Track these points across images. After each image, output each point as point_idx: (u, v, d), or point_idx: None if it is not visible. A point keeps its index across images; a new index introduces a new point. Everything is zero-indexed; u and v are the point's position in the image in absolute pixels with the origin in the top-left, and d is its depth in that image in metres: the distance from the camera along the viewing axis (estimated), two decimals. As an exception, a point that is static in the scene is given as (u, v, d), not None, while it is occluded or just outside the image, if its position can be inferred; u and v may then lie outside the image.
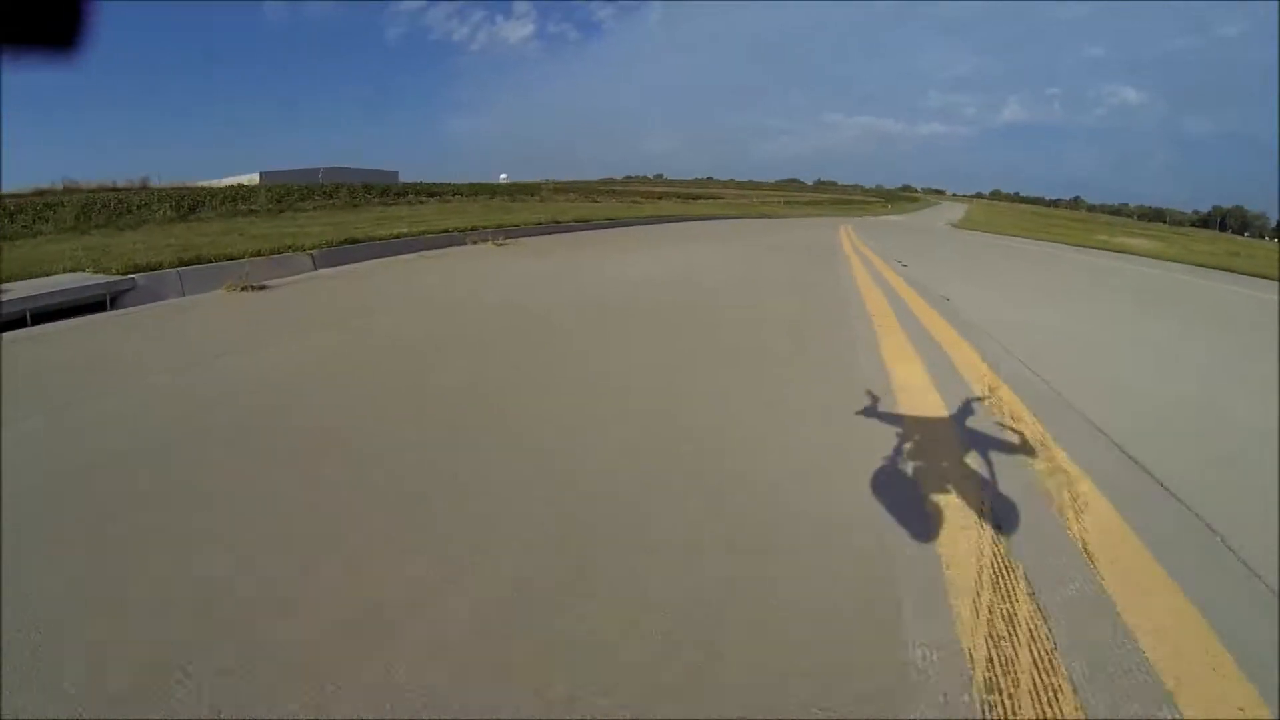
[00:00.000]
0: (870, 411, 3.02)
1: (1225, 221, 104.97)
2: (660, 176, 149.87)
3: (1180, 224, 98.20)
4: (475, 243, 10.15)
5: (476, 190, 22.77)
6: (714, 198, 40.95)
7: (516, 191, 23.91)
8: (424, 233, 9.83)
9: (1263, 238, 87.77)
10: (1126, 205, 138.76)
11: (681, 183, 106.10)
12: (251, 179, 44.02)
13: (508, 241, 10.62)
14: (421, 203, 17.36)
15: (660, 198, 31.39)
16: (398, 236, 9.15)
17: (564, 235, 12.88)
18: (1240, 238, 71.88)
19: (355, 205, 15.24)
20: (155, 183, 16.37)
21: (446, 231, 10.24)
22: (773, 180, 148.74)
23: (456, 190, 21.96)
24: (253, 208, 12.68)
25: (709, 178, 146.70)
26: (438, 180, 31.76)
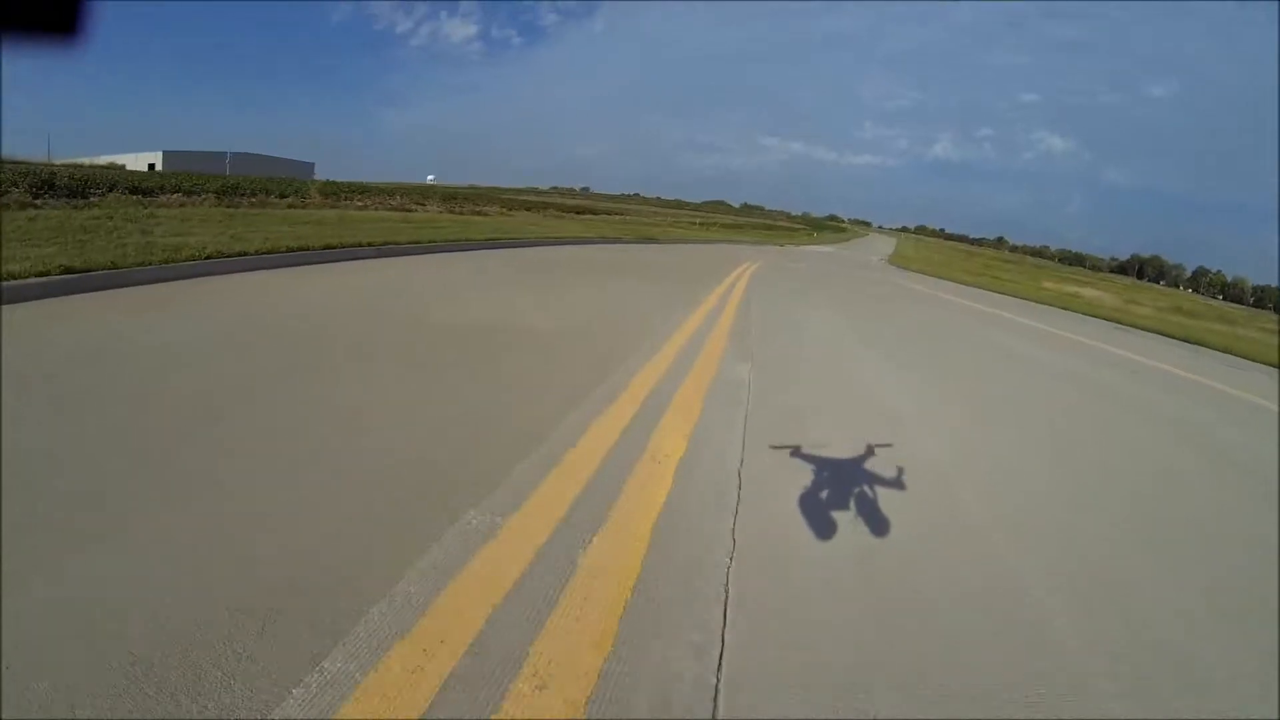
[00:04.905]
0: None
1: (1143, 269, 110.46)
2: (586, 189, 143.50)
3: (1098, 269, 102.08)
4: None
5: (333, 189, 14.19)
6: (615, 214, 34.26)
7: (350, 193, 14.95)
8: None
9: (1177, 286, 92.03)
10: (1048, 248, 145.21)
11: (605, 196, 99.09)
12: (154, 157, 36.41)
13: None
14: (185, 205, 9.83)
15: (530, 209, 24.44)
16: None
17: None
18: (1158, 286, 74.06)
19: (91, 204, 8.41)
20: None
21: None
22: (699, 200, 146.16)
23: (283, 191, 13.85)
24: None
25: (636, 194, 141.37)
26: (357, 179, 25.17)
